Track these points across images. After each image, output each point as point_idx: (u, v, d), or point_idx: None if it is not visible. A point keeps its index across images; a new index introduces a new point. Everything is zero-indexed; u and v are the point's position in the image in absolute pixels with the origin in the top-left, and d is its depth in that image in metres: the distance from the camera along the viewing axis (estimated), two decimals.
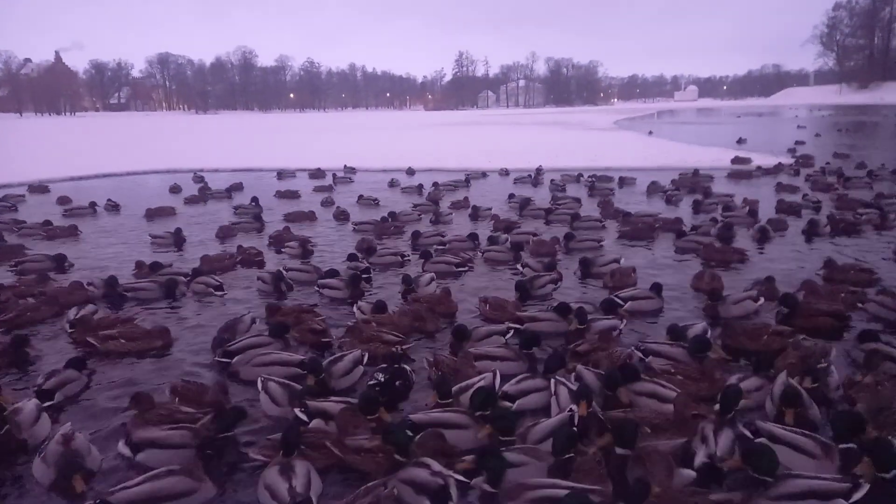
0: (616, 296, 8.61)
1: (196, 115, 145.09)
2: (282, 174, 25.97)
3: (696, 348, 6.63)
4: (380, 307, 8.24)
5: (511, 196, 18.07)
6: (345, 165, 27.04)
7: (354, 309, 8.58)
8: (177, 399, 6.05)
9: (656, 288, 8.85)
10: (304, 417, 5.66)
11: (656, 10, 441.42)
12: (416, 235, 13.17)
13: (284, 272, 10.28)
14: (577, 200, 17.35)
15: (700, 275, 9.74)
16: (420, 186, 20.58)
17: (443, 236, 13.04)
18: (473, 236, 12.52)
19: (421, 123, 73.22)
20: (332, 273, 10.08)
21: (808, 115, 72.42)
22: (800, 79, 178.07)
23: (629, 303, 8.46)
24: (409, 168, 26.85)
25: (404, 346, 7.23)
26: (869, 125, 53.73)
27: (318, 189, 21.74)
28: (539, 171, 23.86)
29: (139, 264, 11.17)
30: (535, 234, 12.88)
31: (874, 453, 4.41)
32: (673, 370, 6.33)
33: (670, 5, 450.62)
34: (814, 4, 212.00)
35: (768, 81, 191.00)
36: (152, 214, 16.98)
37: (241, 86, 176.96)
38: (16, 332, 7.75)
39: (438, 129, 60.45)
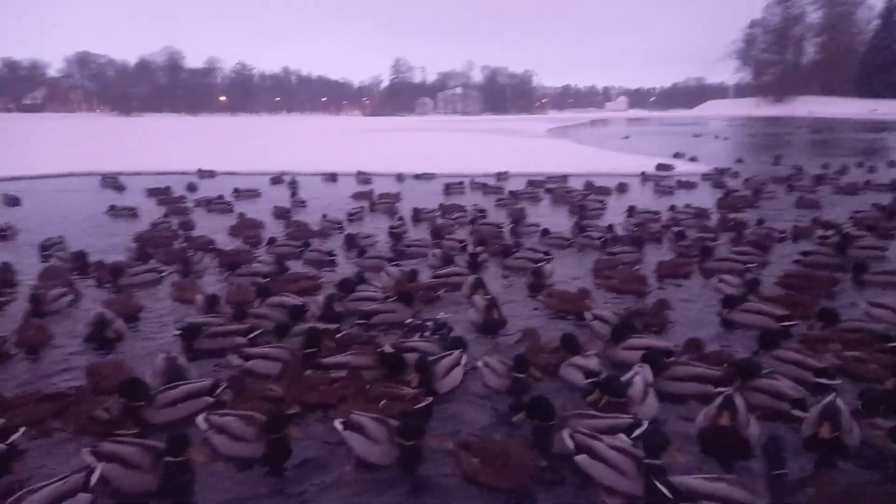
0: None
1: (119, 117, 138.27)
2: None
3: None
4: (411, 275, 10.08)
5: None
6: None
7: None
8: None
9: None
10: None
11: (589, 22, 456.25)
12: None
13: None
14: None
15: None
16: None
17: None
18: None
19: (362, 129, 72.34)
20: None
21: (729, 127, 76.61)
22: (720, 91, 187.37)
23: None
24: (359, 171, 26.20)
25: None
26: (782, 135, 57.68)
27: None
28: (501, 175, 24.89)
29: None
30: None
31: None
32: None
33: (602, 18, 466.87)
34: (733, 21, 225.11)
35: (691, 94, 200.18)
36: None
37: (167, 88, 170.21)
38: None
39: (384, 135, 59.86)
